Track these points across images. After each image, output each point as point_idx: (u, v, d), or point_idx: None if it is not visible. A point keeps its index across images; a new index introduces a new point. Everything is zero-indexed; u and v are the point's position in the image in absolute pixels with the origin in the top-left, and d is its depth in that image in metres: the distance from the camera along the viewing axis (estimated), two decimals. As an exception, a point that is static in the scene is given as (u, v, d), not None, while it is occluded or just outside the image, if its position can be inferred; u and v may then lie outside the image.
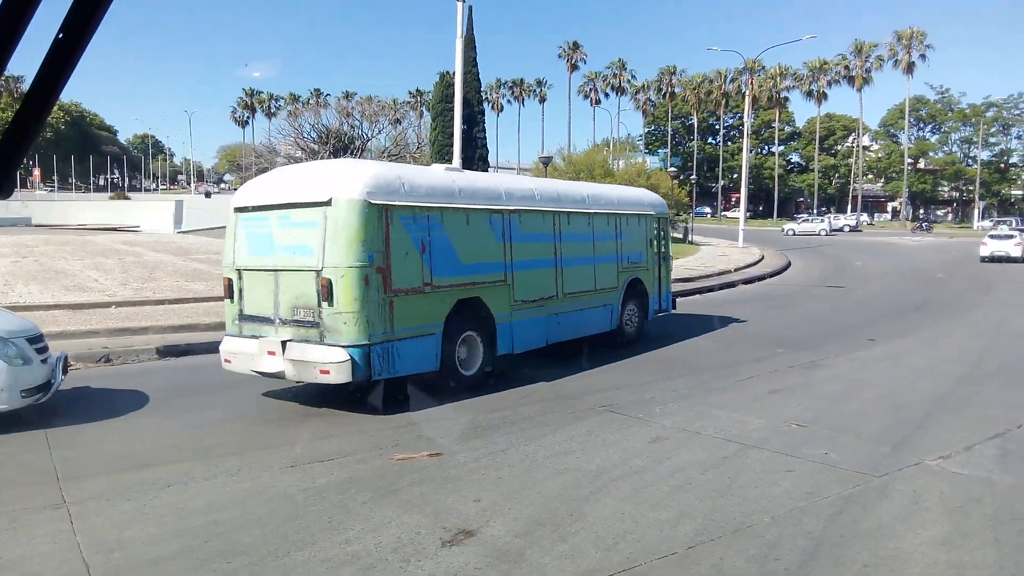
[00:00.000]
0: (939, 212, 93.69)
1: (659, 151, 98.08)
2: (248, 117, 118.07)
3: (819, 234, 60.71)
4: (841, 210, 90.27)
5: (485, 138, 72.45)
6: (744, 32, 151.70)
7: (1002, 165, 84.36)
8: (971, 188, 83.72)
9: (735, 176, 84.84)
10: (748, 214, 55.79)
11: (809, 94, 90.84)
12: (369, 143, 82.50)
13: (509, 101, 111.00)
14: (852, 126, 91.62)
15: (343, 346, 8.54)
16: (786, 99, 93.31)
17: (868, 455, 7.13)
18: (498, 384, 10.48)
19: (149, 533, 5.39)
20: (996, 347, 13.62)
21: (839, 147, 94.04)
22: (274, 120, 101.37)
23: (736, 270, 28.90)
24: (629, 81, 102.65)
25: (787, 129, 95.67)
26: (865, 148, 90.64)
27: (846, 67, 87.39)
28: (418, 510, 5.78)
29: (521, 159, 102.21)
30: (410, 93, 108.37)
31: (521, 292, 11.01)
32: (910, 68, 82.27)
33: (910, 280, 26.71)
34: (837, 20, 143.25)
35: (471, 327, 10.18)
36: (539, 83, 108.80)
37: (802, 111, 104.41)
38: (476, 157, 68.78)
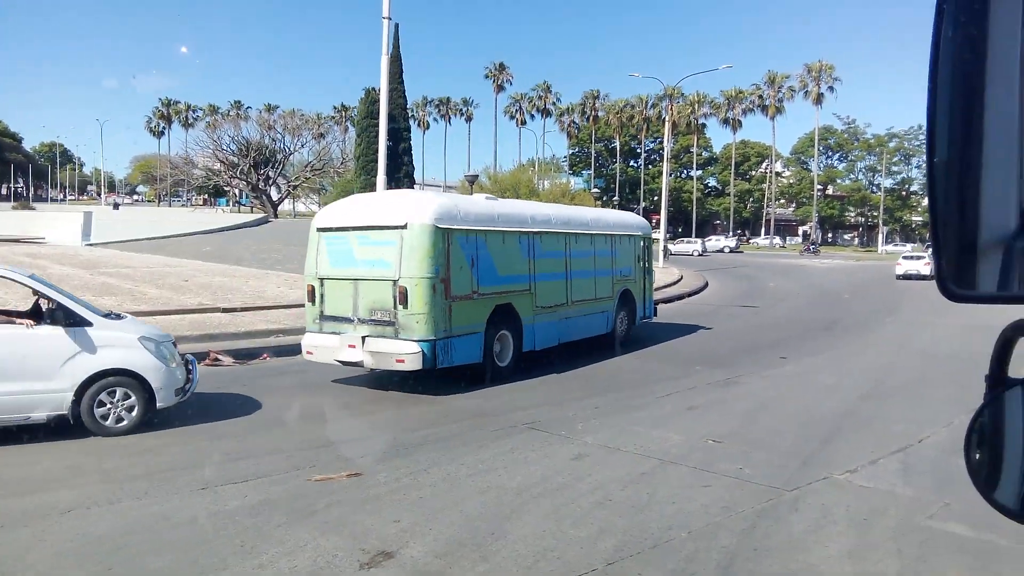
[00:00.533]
0: (846, 236, 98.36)
1: (583, 172, 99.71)
2: (164, 127, 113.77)
3: (692, 254, 62.26)
4: (755, 232, 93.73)
5: (411, 155, 72.18)
6: (664, 60, 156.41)
7: (904, 193, 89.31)
8: (875, 214, 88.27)
9: (656, 198, 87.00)
10: (668, 235, 57.16)
11: (725, 121, 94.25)
12: (292, 157, 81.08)
13: (435, 119, 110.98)
14: (766, 153, 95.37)
15: (415, 340, 10.42)
16: (704, 125, 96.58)
17: (780, 470, 7.37)
18: (420, 403, 10.39)
19: (48, 561, 5.09)
20: (898, 365, 14.33)
21: (753, 173, 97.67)
22: (191, 131, 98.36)
23: (656, 289, 29.51)
24: (554, 103, 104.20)
25: (705, 154, 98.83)
26: (778, 174, 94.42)
27: (760, 97, 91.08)
28: (335, 532, 5.65)
29: (447, 177, 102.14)
30: (335, 108, 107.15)
31: (541, 299, 13.06)
32: (819, 99, 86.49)
33: (819, 301, 27.87)
34: (753, 51, 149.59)
35: (505, 327, 12.12)
36: (466, 102, 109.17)
37: (719, 137, 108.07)
38: (402, 174, 68.37)
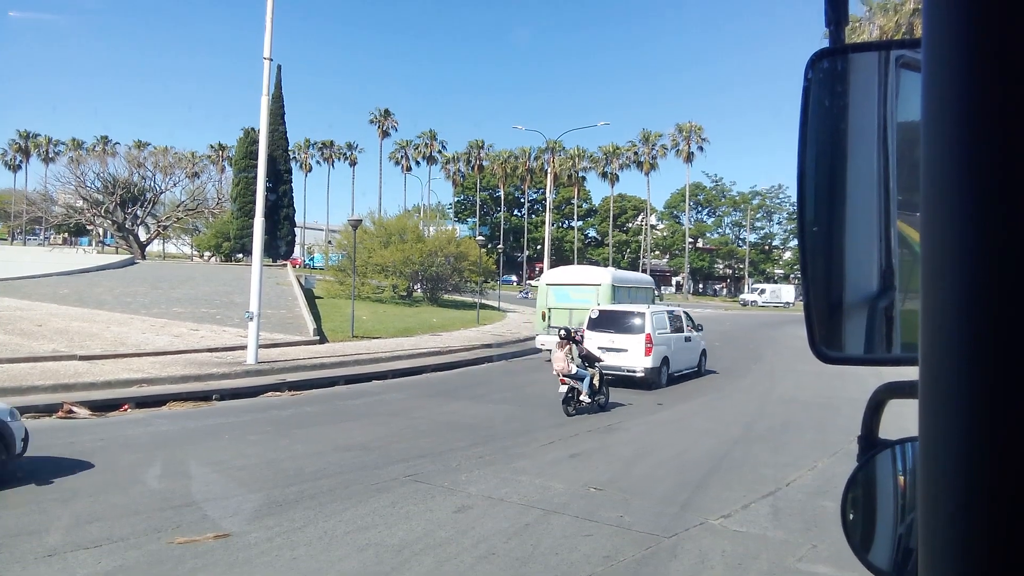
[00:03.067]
0: (716, 287, 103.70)
1: (468, 220, 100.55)
2: (21, 161, 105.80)
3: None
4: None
5: (291, 197, 70.54)
6: (546, 114, 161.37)
7: (766, 247, 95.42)
8: (742, 266, 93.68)
9: (539, 247, 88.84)
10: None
11: (604, 175, 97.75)
12: (163, 196, 77.46)
13: (319, 162, 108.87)
14: (641, 206, 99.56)
15: None
16: (584, 178, 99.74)
17: (658, 516, 7.49)
18: (296, 456, 9.93)
19: None
20: (765, 411, 15.05)
21: (630, 225, 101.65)
22: (52, 166, 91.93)
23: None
24: (440, 151, 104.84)
25: (585, 206, 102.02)
26: (652, 227, 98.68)
27: (635, 153, 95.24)
28: (199, 600, 5.23)
29: (330, 220, 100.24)
30: (211, 147, 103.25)
31: None
32: (690, 157, 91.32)
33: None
34: (628, 110, 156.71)
35: None
36: (350, 146, 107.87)
37: (598, 190, 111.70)
38: (282, 216, 66.60)
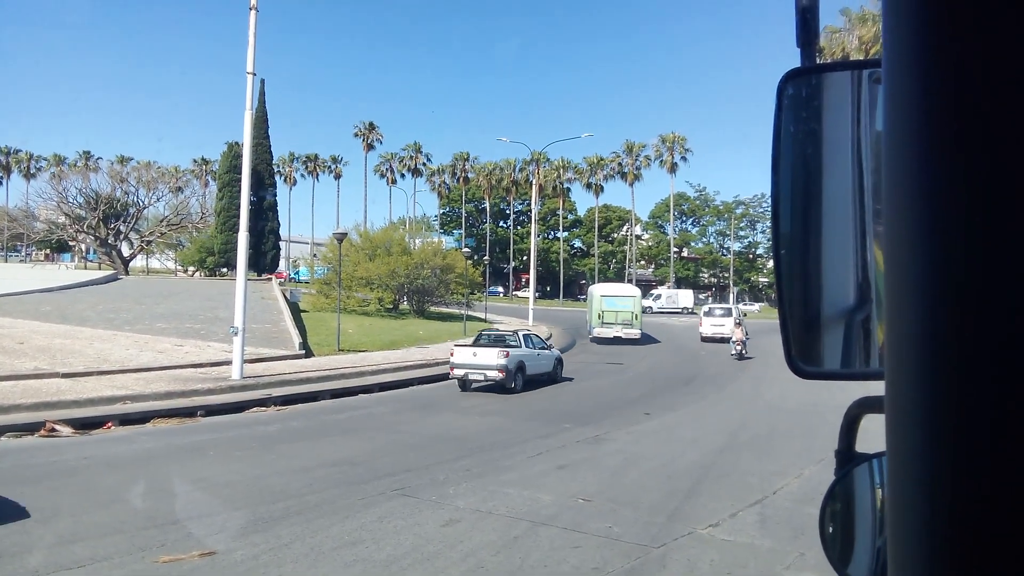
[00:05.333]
0: (701, 296, 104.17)
1: (454, 232, 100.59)
2: (2, 177, 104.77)
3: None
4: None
5: (276, 210, 70.29)
6: (530, 126, 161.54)
7: (751, 256, 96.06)
8: (726, 275, 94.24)
9: (525, 258, 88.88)
10: (537, 294, 58.33)
11: (588, 186, 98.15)
12: (146, 211, 76.98)
13: (303, 175, 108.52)
14: (626, 217, 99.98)
15: (638, 330, 35.37)
16: (568, 190, 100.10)
17: (647, 526, 7.49)
18: (282, 471, 9.87)
19: None
20: (751, 419, 15.10)
21: (616, 235, 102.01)
22: (34, 182, 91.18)
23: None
24: (425, 164, 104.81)
25: (570, 217, 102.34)
26: (638, 237, 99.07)
27: (619, 164, 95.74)
28: (185, 619, 5.17)
29: (315, 233, 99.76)
30: (195, 161, 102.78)
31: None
32: (673, 168, 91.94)
33: (678, 357, 29.16)
34: (612, 121, 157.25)
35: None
36: (334, 160, 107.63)
37: (583, 201, 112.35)
38: (267, 229, 66.30)
